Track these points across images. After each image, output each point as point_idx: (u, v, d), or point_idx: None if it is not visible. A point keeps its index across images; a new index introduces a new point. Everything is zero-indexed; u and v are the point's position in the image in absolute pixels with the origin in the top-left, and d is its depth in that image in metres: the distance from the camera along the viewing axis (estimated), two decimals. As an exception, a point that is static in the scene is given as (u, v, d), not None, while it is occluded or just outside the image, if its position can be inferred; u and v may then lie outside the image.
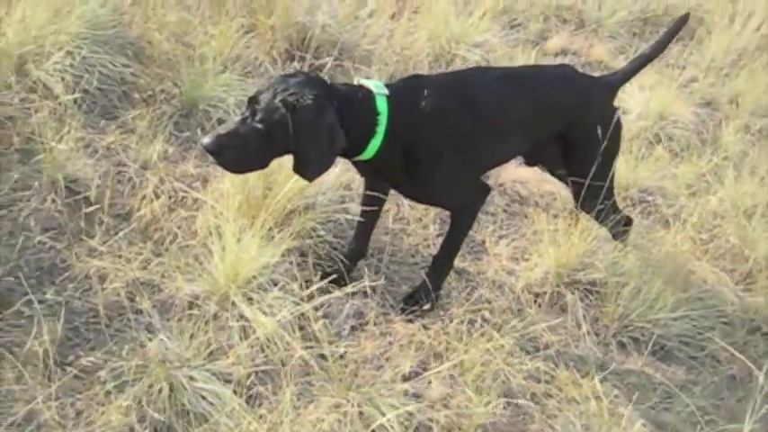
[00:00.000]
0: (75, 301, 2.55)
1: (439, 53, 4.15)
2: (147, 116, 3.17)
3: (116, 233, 2.79)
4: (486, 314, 2.82)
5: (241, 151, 2.28)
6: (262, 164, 2.38)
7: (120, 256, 2.72)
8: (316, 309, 2.57)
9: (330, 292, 2.67)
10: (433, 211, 3.23)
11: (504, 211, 3.44)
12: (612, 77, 2.94)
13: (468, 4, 4.59)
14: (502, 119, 2.59)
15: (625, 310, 2.91)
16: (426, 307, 2.77)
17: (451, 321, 2.75)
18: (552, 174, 3.10)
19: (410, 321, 2.76)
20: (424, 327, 2.76)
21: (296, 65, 3.71)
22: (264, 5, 3.74)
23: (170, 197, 2.97)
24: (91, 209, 2.78)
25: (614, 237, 3.05)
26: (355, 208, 2.92)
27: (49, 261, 2.65)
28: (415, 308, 2.77)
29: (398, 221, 3.19)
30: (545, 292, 3.00)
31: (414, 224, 3.21)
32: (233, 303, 2.57)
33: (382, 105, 2.38)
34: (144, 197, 2.90)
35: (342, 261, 2.80)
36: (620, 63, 4.68)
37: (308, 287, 2.62)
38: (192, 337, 2.44)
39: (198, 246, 2.79)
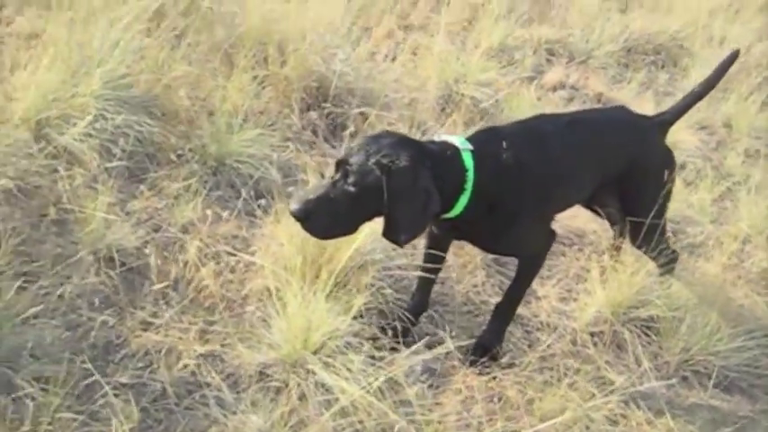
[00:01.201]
0: (140, 380, 2.40)
1: (447, 94, 4.13)
2: (178, 177, 3.05)
3: (166, 303, 2.67)
4: (553, 360, 2.80)
5: (330, 216, 2.20)
6: (350, 229, 2.30)
7: (174, 328, 2.59)
8: (391, 371, 2.48)
9: (397, 351, 2.61)
10: (480, 257, 3.18)
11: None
12: (665, 116, 2.95)
13: (465, 44, 4.59)
14: (574, 165, 2.57)
15: (685, 344, 2.91)
16: (494, 357, 2.72)
17: (523, 369, 2.70)
18: (596, 212, 3.10)
19: (481, 374, 2.70)
20: (495, 378, 2.70)
21: (313, 114, 3.64)
22: (276, 56, 3.65)
23: (215, 261, 2.85)
24: (137, 278, 2.67)
25: (661, 271, 3.05)
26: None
27: (103, 339, 2.49)
28: (484, 359, 2.70)
29: (445, 269, 3.13)
30: (602, 332, 2.98)
31: (458, 270, 3.15)
32: (308, 371, 2.47)
33: (468, 161, 2.33)
34: (187, 263, 2.78)
35: (407, 317, 2.72)
36: (617, 93, 4.78)
37: (377, 347, 2.54)
38: (270, 410, 2.32)
39: (255, 311, 2.68)
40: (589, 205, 3.02)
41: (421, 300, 2.76)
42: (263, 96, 3.61)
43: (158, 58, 3.43)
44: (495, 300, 3.05)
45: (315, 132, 3.58)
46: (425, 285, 2.75)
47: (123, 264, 2.71)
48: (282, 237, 2.82)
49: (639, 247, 2.92)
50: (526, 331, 2.99)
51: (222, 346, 2.58)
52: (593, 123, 2.77)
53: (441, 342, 2.59)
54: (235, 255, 2.84)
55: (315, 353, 2.47)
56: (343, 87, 3.67)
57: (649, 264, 3.03)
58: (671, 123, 2.94)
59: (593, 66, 4.99)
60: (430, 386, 2.60)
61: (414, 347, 2.57)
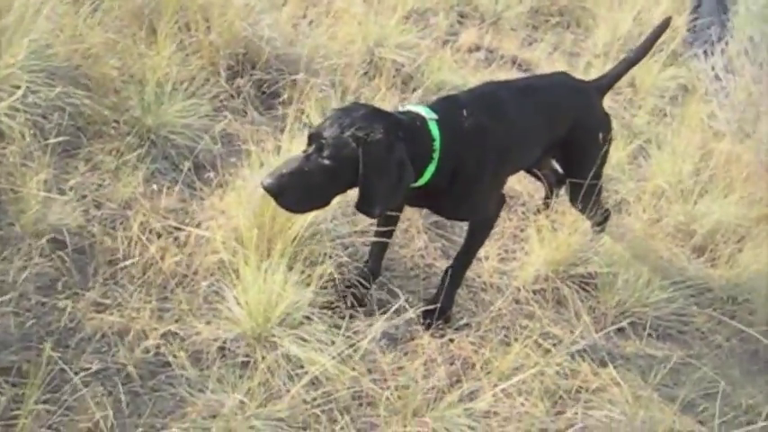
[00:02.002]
0: (103, 365, 2.33)
1: (369, 59, 4.12)
2: (113, 150, 2.93)
3: (116, 282, 2.59)
4: (501, 319, 2.90)
5: (305, 190, 2.18)
6: (324, 202, 2.29)
7: (128, 308, 2.51)
8: (357, 339, 2.51)
9: (357, 318, 2.64)
10: (421, 221, 3.23)
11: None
12: (602, 81, 3.07)
13: (380, 7, 4.58)
14: (529, 128, 2.64)
15: (621, 298, 3.06)
16: (447, 320, 2.79)
17: (476, 330, 2.78)
18: (535, 175, 3.21)
19: (438, 336, 2.76)
20: (451, 340, 2.77)
21: (242, 81, 3.55)
22: (201, 22, 3.53)
23: (162, 237, 2.77)
24: (82, 258, 2.57)
25: (596, 229, 3.19)
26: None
27: (56, 324, 2.39)
28: (440, 322, 2.76)
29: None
30: (543, 289, 3.10)
31: (401, 235, 3.18)
32: (273, 344, 2.46)
33: (435, 131, 2.35)
34: (132, 240, 2.69)
35: (362, 284, 2.74)
36: (530, 55, 4.91)
37: (339, 317, 2.57)
38: (238, 386, 2.31)
39: (211, 286, 2.64)
40: (529, 168, 3.11)
41: (375, 265, 2.79)
42: (190, 64, 3.50)
43: (77, 27, 3.26)
44: (441, 263, 3.13)
45: (245, 100, 3.51)
46: (379, 251, 2.78)
47: (67, 244, 2.60)
48: (233, 209, 2.77)
49: (577, 207, 3.04)
50: (471, 292, 3.07)
51: (179, 322, 2.53)
52: (542, 89, 2.85)
53: (396, 309, 2.64)
54: (182, 229, 2.77)
55: (279, 325, 2.47)
56: (272, 53, 3.60)
57: (585, 223, 3.16)
58: (608, 88, 3.07)
59: (504, 28, 5.08)
60: (391, 352, 2.64)
61: (377, 315, 2.61)
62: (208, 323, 2.54)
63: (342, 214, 2.91)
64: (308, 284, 2.56)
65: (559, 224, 3.19)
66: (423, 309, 2.75)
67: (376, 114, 2.28)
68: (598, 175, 2.93)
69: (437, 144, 2.35)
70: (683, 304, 3.18)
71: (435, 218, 3.30)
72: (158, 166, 3.04)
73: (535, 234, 3.21)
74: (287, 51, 3.68)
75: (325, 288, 2.67)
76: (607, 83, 3.06)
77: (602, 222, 3.17)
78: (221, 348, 2.47)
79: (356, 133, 2.18)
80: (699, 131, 4.32)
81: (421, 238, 3.21)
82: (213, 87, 3.48)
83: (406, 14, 4.62)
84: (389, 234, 2.77)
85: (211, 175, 3.00)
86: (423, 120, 2.36)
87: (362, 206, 2.28)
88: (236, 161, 3.06)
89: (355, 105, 2.37)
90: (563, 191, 3.37)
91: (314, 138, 2.22)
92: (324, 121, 2.27)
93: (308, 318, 2.52)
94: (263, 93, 3.59)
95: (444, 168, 2.38)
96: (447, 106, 2.48)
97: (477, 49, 4.75)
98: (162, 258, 2.67)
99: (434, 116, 2.38)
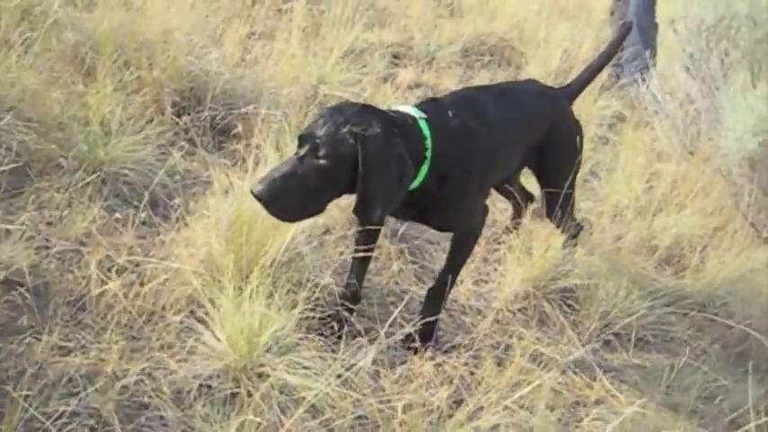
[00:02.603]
0: (73, 409, 2.06)
1: (313, 95, 4.03)
2: (62, 188, 2.71)
3: (77, 324, 2.35)
4: (486, 340, 2.77)
5: (299, 195, 2.02)
6: (319, 208, 2.13)
7: (93, 349, 2.27)
8: (349, 364, 2.34)
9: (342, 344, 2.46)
10: (393, 247, 3.10)
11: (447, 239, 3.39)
12: (571, 88, 3.04)
13: (316, 48, 4.52)
14: (510, 131, 2.57)
15: (603, 310, 2.99)
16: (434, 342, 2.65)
17: (465, 351, 2.65)
18: (503, 193, 3.15)
19: (426, 359, 2.60)
20: (441, 363, 2.62)
21: (188, 117, 3.39)
22: (143, 59, 3.37)
23: (122, 273, 2.54)
24: (36, 300, 2.32)
25: (569, 243, 3.13)
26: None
27: (15, 369, 2.13)
28: (429, 344, 2.61)
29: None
30: (525, 308, 3.00)
31: (373, 263, 3.04)
32: (260, 374, 2.25)
33: (426, 130, 2.24)
34: (89, 277, 2.46)
35: (346, 306, 2.57)
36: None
37: (324, 342, 2.39)
38: (222, 424, 2.09)
39: (183, 321, 2.42)
40: (502, 183, 3.04)
41: (356, 286, 2.63)
42: (133, 102, 3.31)
43: (9, 67, 3.05)
44: (416, 289, 3.00)
45: (195, 136, 3.33)
46: (360, 270, 2.62)
47: (19, 284, 2.35)
48: (200, 238, 2.58)
49: (553, 219, 2.97)
50: (450, 316, 2.94)
51: (150, 361, 2.30)
52: (518, 93, 2.81)
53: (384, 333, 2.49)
54: (147, 263, 2.55)
55: (266, 353, 2.27)
56: (219, 88, 3.45)
57: (558, 238, 3.10)
58: (577, 94, 3.05)
59: (439, 66, 5.09)
60: (385, 376, 2.47)
61: (364, 340, 2.45)
62: (184, 360, 2.32)
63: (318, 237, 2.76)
64: (293, 308, 2.38)
65: (531, 242, 3.12)
66: (408, 332, 2.60)
67: (370, 110, 2.17)
68: (572, 185, 2.88)
69: (429, 143, 2.24)
70: (662, 313, 3.13)
71: (407, 243, 3.18)
72: (111, 202, 2.83)
73: (509, 254, 3.13)
74: (234, 86, 3.55)
75: (313, 310, 2.48)
76: (576, 89, 3.04)
77: (575, 236, 3.12)
78: (203, 386, 2.25)
79: (353, 129, 2.05)
80: (643, 153, 4.38)
81: (394, 264, 3.07)
82: (158, 125, 3.29)
83: (342, 55, 4.56)
84: (369, 251, 2.62)
85: (170, 209, 2.80)
86: (413, 118, 2.26)
87: (362, 210, 2.13)
88: (196, 192, 2.88)
89: (346, 103, 2.25)
90: (531, 210, 3.33)
91: (306, 138, 2.08)
92: (315, 121, 2.13)
93: (296, 343, 2.33)
94: (213, 128, 3.43)
95: (436, 169, 2.27)
96: (433, 107, 2.39)
97: (417, 85, 4.73)
98: (126, 296, 2.44)
99: (424, 115, 2.28)
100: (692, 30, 3.88)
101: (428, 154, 2.24)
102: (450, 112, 2.34)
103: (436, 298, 2.64)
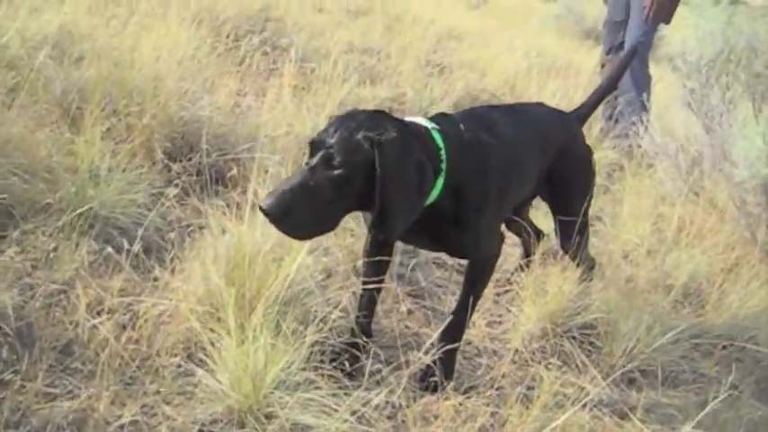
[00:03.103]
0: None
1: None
2: (47, 231, 2.55)
3: (64, 370, 2.15)
4: (505, 380, 2.58)
5: (312, 209, 1.87)
6: (333, 224, 1.97)
7: (82, 396, 2.07)
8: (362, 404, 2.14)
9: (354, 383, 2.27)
10: (399, 288, 2.93)
11: (453, 281, 3.22)
12: (582, 111, 2.94)
13: (309, 102, 4.44)
14: (524, 149, 2.45)
15: (626, 346, 2.81)
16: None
17: (484, 392, 2.46)
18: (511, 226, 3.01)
19: (446, 399, 2.41)
20: (460, 404, 2.42)
21: (178, 165, 3.25)
22: (133, 106, 3.25)
23: (110, 315, 2.35)
24: (20, 344, 2.13)
25: (583, 277, 2.97)
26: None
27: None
28: (444, 384, 2.42)
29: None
30: (543, 347, 2.83)
31: (380, 306, 2.86)
32: (268, 415, 2.05)
33: (439, 140, 2.11)
34: (77, 321, 2.27)
35: (356, 344, 2.38)
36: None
37: (335, 381, 2.20)
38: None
39: (180, 363, 2.23)
40: (510, 221, 2.90)
41: (366, 321, 2.45)
42: (124, 149, 3.17)
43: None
44: (426, 330, 2.82)
45: (188, 182, 3.19)
46: (369, 304, 2.45)
47: (3, 328, 2.15)
48: (197, 277, 2.41)
49: (569, 249, 2.82)
50: (465, 358, 2.76)
51: (145, 408, 2.10)
52: (528, 112, 2.69)
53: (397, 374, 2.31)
54: (139, 302, 2.37)
55: (275, 390, 2.07)
56: (212, 134, 3.33)
57: (573, 273, 2.95)
58: (586, 117, 2.95)
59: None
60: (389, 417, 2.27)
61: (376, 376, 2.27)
62: (182, 405, 2.12)
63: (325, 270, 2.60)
64: (301, 344, 2.19)
65: (545, 279, 2.96)
66: (426, 365, 2.42)
67: (384, 115, 2.04)
68: (586, 213, 2.75)
69: (443, 154, 2.10)
70: (687, 348, 2.96)
71: (413, 286, 3.02)
72: (100, 246, 2.65)
73: (522, 292, 2.97)
74: (227, 132, 3.43)
75: (322, 345, 2.30)
76: (585, 113, 2.94)
77: (591, 268, 2.97)
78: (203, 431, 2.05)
79: (368, 134, 1.91)
80: (647, 198, 4.26)
81: (402, 305, 2.90)
82: (150, 172, 3.15)
83: (335, 108, 4.47)
84: (379, 283, 2.45)
85: (164, 251, 2.64)
86: (426, 128, 2.12)
87: (381, 222, 1.96)
88: (191, 235, 2.72)
89: (356, 110, 2.12)
90: (541, 247, 3.18)
91: (317, 146, 1.93)
92: (325, 128, 1.99)
93: (306, 380, 2.13)
94: (207, 173, 3.28)
95: (451, 183, 2.12)
96: (445, 120, 2.26)
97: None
98: (117, 338, 2.25)
99: (436, 126, 2.15)
100: (691, 64, 3.82)
101: (443, 166, 2.10)
102: (462, 126, 2.22)
103: (456, 327, 2.45)
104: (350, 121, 1.98)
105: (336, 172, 1.90)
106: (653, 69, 5.42)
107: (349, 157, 1.91)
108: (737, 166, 3.44)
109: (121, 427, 2.02)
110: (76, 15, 4.03)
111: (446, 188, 2.12)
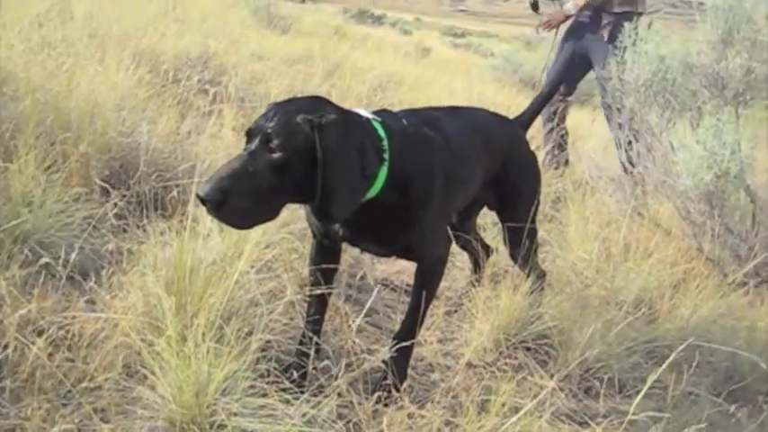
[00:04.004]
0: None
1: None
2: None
3: (-4, 392, 2.01)
4: (462, 395, 2.50)
5: (252, 195, 1.79)
6: (274, 211, 1.90)
7: (9, 417, 1.93)
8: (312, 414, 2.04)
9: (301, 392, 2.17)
10: (348, 306, 2.85)
11: (402, 302, 3.15)
12: (524, 118, 2.94)
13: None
14: (467, 147, 2.41)
15: (581, 354, 2.77)
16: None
17: (438, 403, 2.37)
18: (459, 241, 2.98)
19: (399, 408, 2.31)
20: (411, 415, 2.33)
21: (116, 193, 3.14)
22: (70, 135, 3.15)
23: (41, 334, 2.22)
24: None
25: (534, 285, 2.92)
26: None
27: None
28: (397, 395, 2.33)
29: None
30: (497, 360, 2.76)
31: (329, 323, 2.77)
32: (214, 423, 1.94)
33: (381, 131, 2.07)
34: (6, 343, 2.14)
35: (304, 353, 2.29)
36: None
37: (282, 390, 2.09)
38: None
39: (116, 379, 2.11)
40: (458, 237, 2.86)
41: (314, 331, 2.35)
42: (60, 178, 3.06)
43: None
44: (377, 347, 2.74)
45: (126, 209, 3.09)
46: (318, 312, 2.36)
47: None
48: (134, 293, 2.30)
49: (517, 258, 2.79)
50: (418, 374, 2.68)
51: (80, 423, 1.97)
52: (472, 114, 2.68)
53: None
54: (67, 325, 2.24)
55: (221, 396, 1.97)
56: (151, 162, 3.25)
57: (523, 284, 2.91)
58: (529, 123, 2.95)
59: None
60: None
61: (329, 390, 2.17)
62: (120, 421, 1.99)
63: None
64: (247, 349, 2.09)
65: (496, 292, 2.92)
66: (376, 378, 2.33)
67: (323, 100, 1.99)
68: (534, 219, 2.73)
69: (386, 144, 2.05)
70: (641, 357, 2.93)
71: (362, 305, 2.94)
72: (32, 269, 2.52)
73: (473, 304, 2.92)
74: (166, 158, 3.35)
75: (267, 352, 2.20)
76: (528, 119, 2.94)
77: (541, 278, 2.93)
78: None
79: (307, 117, 1.86)
80: (592, 223, 4.28)
81: (352, 323, 2.81)
82: (86, 200, 3.04)
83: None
84: (327, 290, 2.37)
85: (101, 273, 2.53)
86: (366, 118, 2.08)
87: (323, 207, 1.90)
88: (128, 260, 2.61)
89: (294, 98, 2.06)
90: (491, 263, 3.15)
91: (255, 132, 1.87)
92: (264, 114, 1.93)
93: (252, 387, 2.03)
94: (146, 201, 3.19)
95: (394, 177, 2.07)
96: (387, 115, 2.22)
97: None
98: (50, 357, 2.12)
99: (377, 117, 2.11)
100: (630, 84, 3.89)
101: (386, 155, 2.05)
102: (404, 121, 2.19)
103: (408, 328, 2.36)
104: (288, 105, 1.93)
105: (276, 155, 1.84)
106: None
107: (289, 140, 1.86)
108: (680, 177, 3.47)
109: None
110: (11, 56, 3.94)
111: (389, 181, 2.07)
